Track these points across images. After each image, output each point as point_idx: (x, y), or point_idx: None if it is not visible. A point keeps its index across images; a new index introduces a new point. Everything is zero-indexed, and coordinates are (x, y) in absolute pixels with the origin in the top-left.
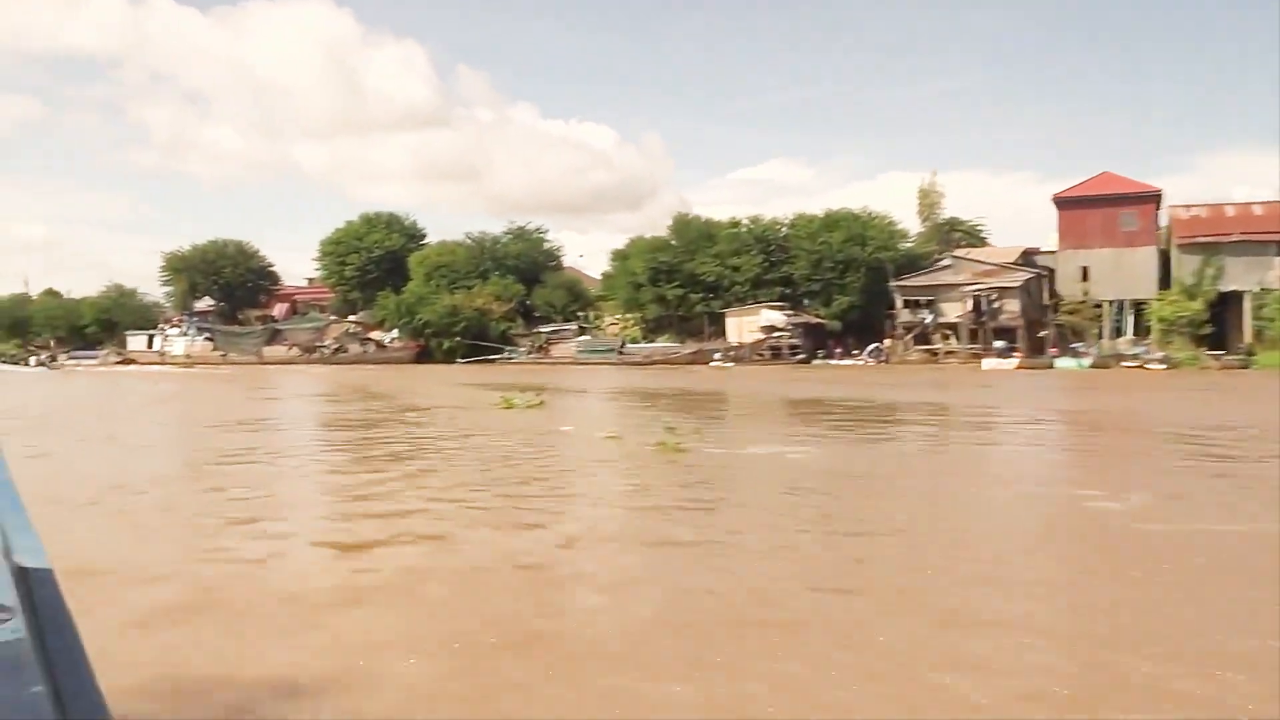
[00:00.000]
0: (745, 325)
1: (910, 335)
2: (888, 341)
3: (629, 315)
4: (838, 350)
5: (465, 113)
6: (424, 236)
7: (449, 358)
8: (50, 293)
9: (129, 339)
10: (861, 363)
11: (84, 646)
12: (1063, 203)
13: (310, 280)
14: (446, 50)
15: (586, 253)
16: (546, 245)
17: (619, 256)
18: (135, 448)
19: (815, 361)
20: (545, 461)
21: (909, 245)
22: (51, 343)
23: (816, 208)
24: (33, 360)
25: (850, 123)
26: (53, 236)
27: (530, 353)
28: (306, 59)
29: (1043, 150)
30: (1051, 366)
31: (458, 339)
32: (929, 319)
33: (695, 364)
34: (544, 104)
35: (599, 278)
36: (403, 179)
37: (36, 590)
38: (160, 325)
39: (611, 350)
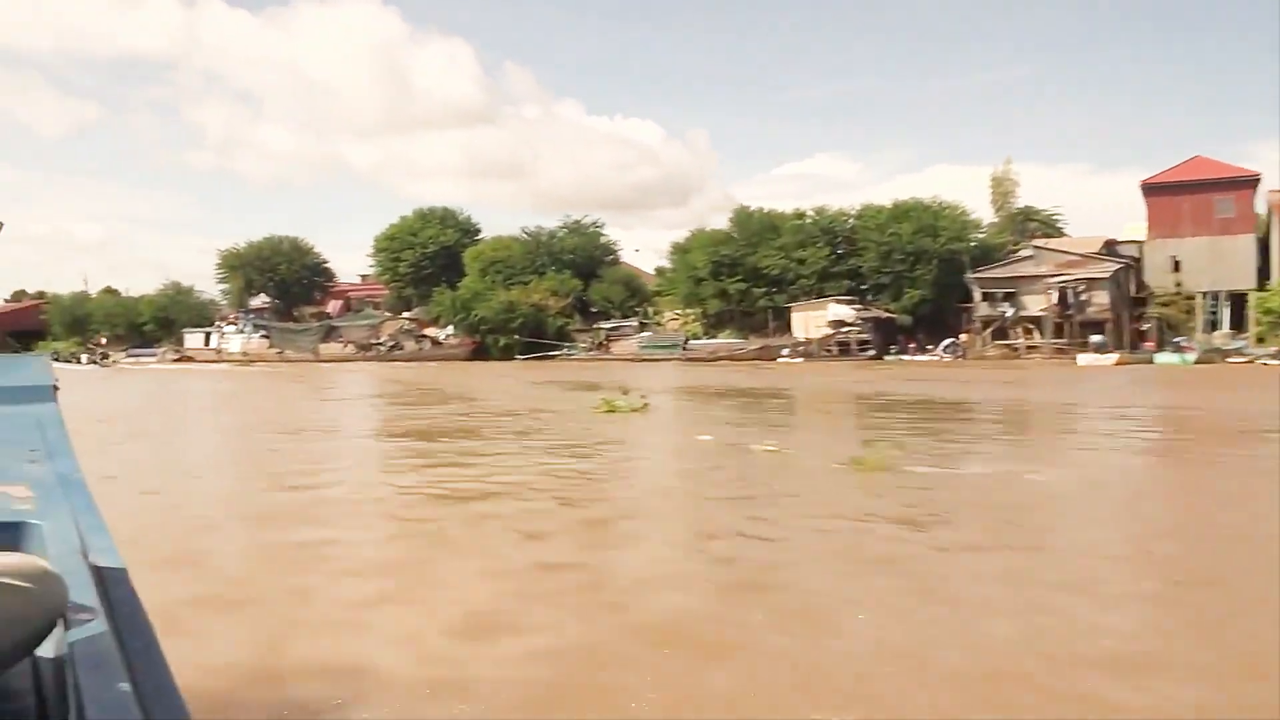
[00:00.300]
0: (812, 320)
1: (989, 330)
2: (964, 336)
3: (689, 310)
4: (910, 346)
5: (512, 110)
6: (478, 232)
7: (505, 355)
8: (109, 291)
9: (186, 337)
10: (937, 359)
11: (160, 644)
12: (1151, 189)
13: (363, 277)
14: (493, 47)
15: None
16: (603, 239)
17: (678, 250)
18: (209, 470)
19: (886, 358)
20: (736, 488)
21: (981, 236)
22: (103, 340)
23: (863, 202)
24: (84, 358)
25: (896, 116)
26: (110, 236)
27: (590, 349)
28: (355, 58)
29: (1096, 141)
30: (1151, 362)
31: (514, 336)
32: (1009, 312)
33: (760, 360)
34: (589, 100)
35: (652, 273)
36: (451, 176)
37: (113, 590)
38: (217, 323)
39: (675, 346)
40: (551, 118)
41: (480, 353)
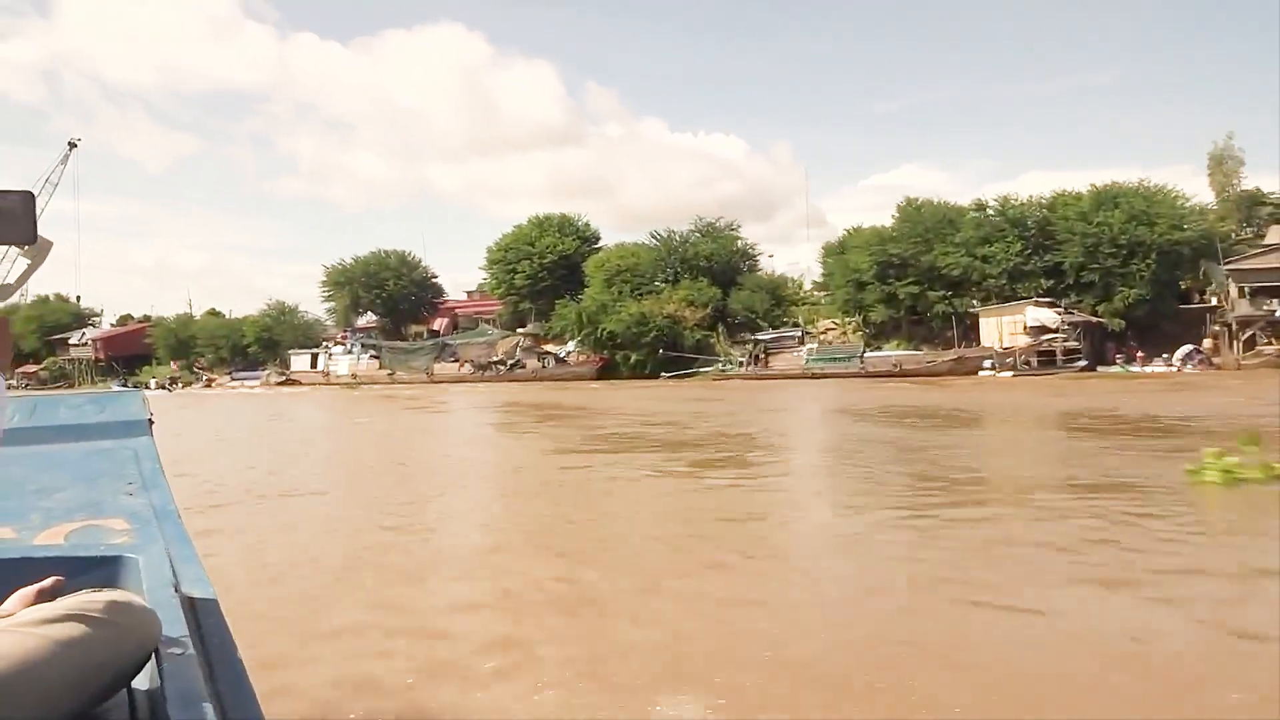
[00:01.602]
0: (1006, 326)
1: (1249, 334)
2: (1208, 343)
3: (848, 319)
4: (1138, 355)
5: (595, 129)
6: (598, 239)
7: (636, 372)
8: (212, 313)
9: (292, 358)
10: (1173, 370)
11: (249, 677)
12: None
13: (469, 293)
14: (575, 68)
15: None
16: (739, 243)
17: (831, 251)
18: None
19: (1103, 369)
20: None
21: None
22: (203, 363)
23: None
24: (152, 382)
25: (982, 123)
26: (211, 264)
27: (749, 364)
28: (441, 83)
29: (1196, 143)
30: None
31: (646, 350)
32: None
33: (954, 375)
34: (671, 118)
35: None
36: (536, 197)
37: (204, 621)
38: (324, 343)
39: (851, 359)
40: (634, 136)
41: (608, 370)
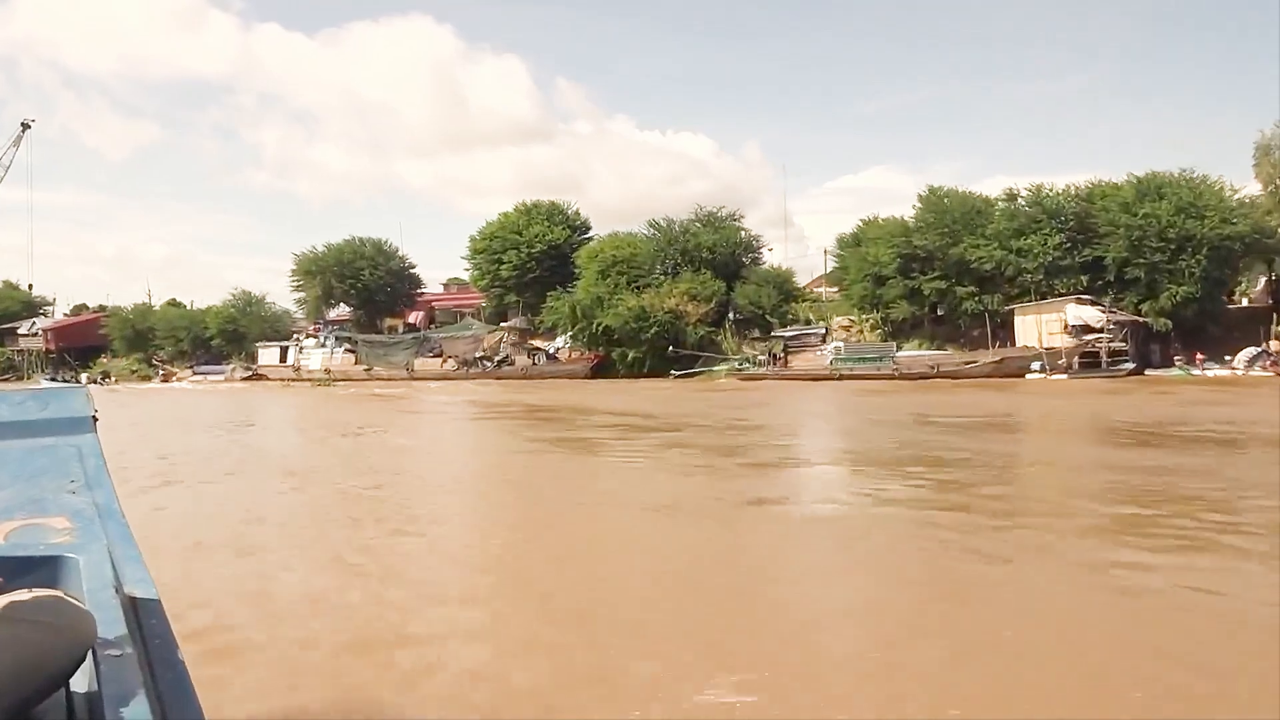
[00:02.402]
0: (1046, 325)
1: None
2: (1275, 344)
3: (864, 315)
4: (1198, 357)
5: (564, 126)
6: (589, 229)
7: (634, 370)
8: (172, 303)
9: (260, 352)
10: (1237, 372)
11: (190, 676)
12: None
13: (445, 285)
14: (545, 64)
15: None
16: (742, 234)
17: (846, 244)
18: None
19: (1151, 372)
20: None
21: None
22: (163, 356)
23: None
24: (83, 377)
25: (951, 128)
26: (174, 256)
27: (770, 363)
28: (409, 77)
29: (1165, 151)
30: None
31: (646, 347)
32: None
33: (995, 376)
34: (640, 116)
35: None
36: (505, 193)
37: (145, 621)
38: (295, 336)
39: (883, 359)
40: (604, 134)
41: (603, 368)
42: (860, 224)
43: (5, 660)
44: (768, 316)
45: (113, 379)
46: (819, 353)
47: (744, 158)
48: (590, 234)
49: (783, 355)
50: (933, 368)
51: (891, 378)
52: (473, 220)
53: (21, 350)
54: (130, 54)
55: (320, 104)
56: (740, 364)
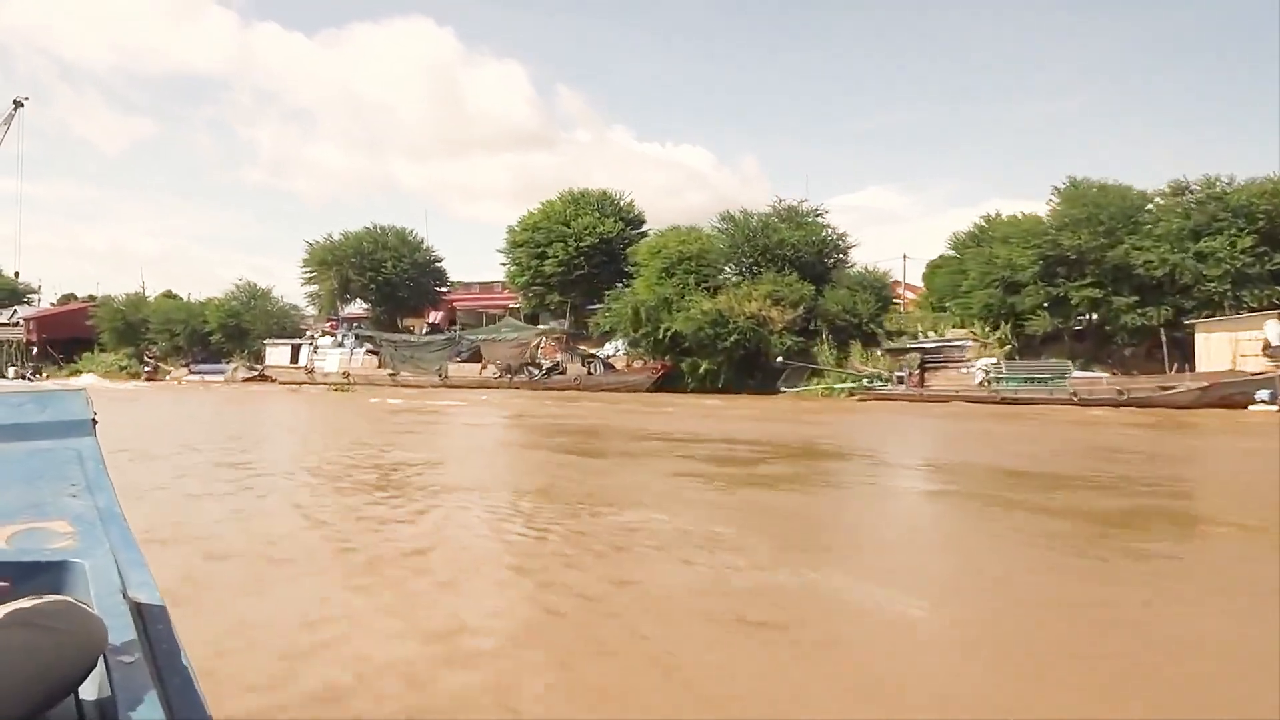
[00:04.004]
0: (1242, 344)
1: None
2: None
3: (988, 329)
4: None
5: (565, 134)
6: (643, 222)
7: (705, 384)
8: (168, 294)
9: (268, 350)
10: None
11: (198, 682)
12: None
13: (464, 284)
14: (546, 70)
15: None
16: (825, 232)
17: (963, 244)
18: None
19: None
20: None
21: None
22: (155, 351)
23: (913, 235)
24: (10, 372)
25: (948, 149)
26: (167, 251)
27: (903, 381)
28: (409, 78)
29: (1166, 170)
30: None
31: (722, 358)
32: None
33: (1202, 407)
34: (640, 126)
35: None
36: (501, 199)
37: (152, 627)
38: (309, 334)
39: (1058, 380)
40: (603, 142)
41: (669, 380)
42: (981, 221)
43: (21, 665)
44: (865, 325)
45: (44, 374)
46: (964, 370)
47: (742, 171)
48: (644, 228)
49: (918, 371)
50: (1120, 393)
51: (1069, 403)
52: (467, 225)
53: (0, 342)
54: (126, 46)
55: (318, 103)
56: (870, 381)
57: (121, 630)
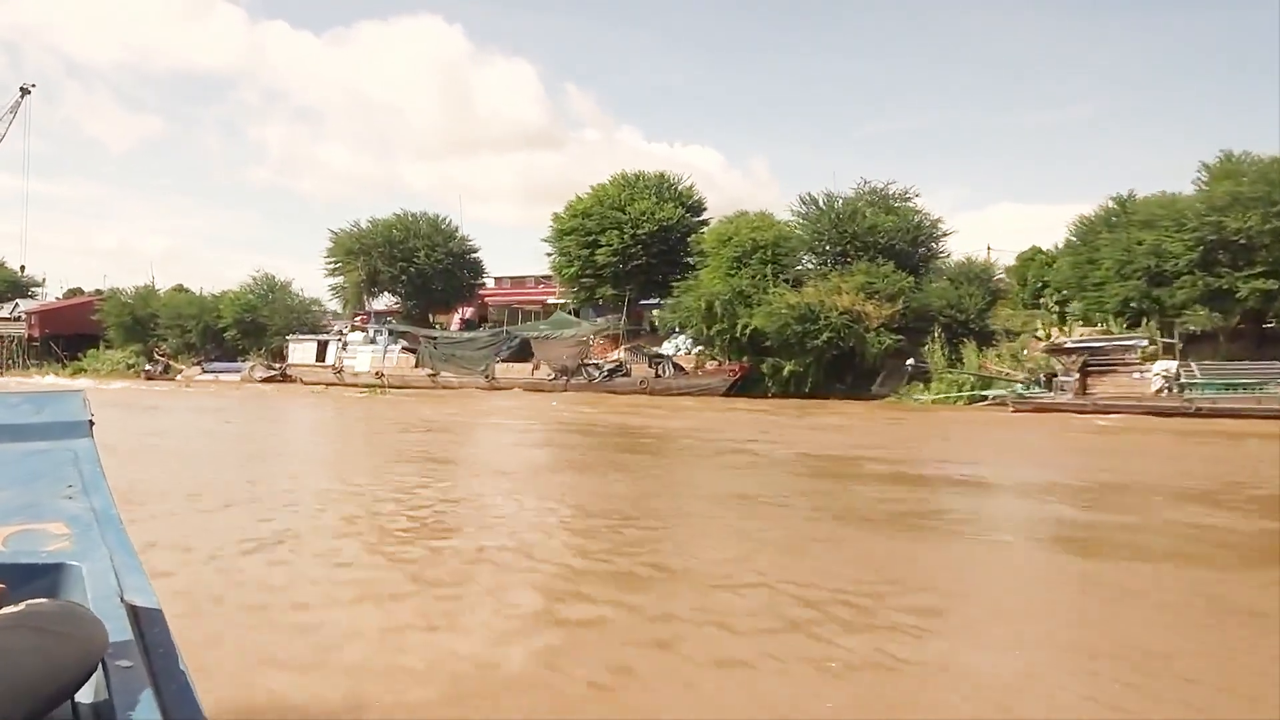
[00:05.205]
0: None
1: None
2: None
3: (1127, 325)
4: None
5: (573, 134)
6: (703, 209)
7: (788, 388)
8: (179, 288)
9: (291, 348)
10: None
11: (194, 686)
12: None
13: (496, 279)
14: (555, 69)
15: None
16: (918, 218)
17: (1091, 225)
18: None
19: None
20: None
21: None
22: (165, 349)
23: None
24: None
25: (956, 153)
26: (175, 250)
27: (1056, 387)
28: (417, 77)
29: (1172, 178)
30: None
31: (811, 358)
32: None
33: None
34: (648, 127)
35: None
36: (508, 199)
37: (148, 630)
38: (338, 330)
39: (1264, 387)
40: (612, 143)
41: (748, 383)
42: (1111, 202)
43: (24, 669)
44: (972, 323)
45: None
46: (1137, 376)
47: (752, 173)
48: (704, 215)
49: (1079, 376)
50: None
51: (1274, 417)
52: (472, 225)
53: (1, 337)
54: (135, 44)
55: (326, 102)
56: (1028, 387)
57: (119, 634)
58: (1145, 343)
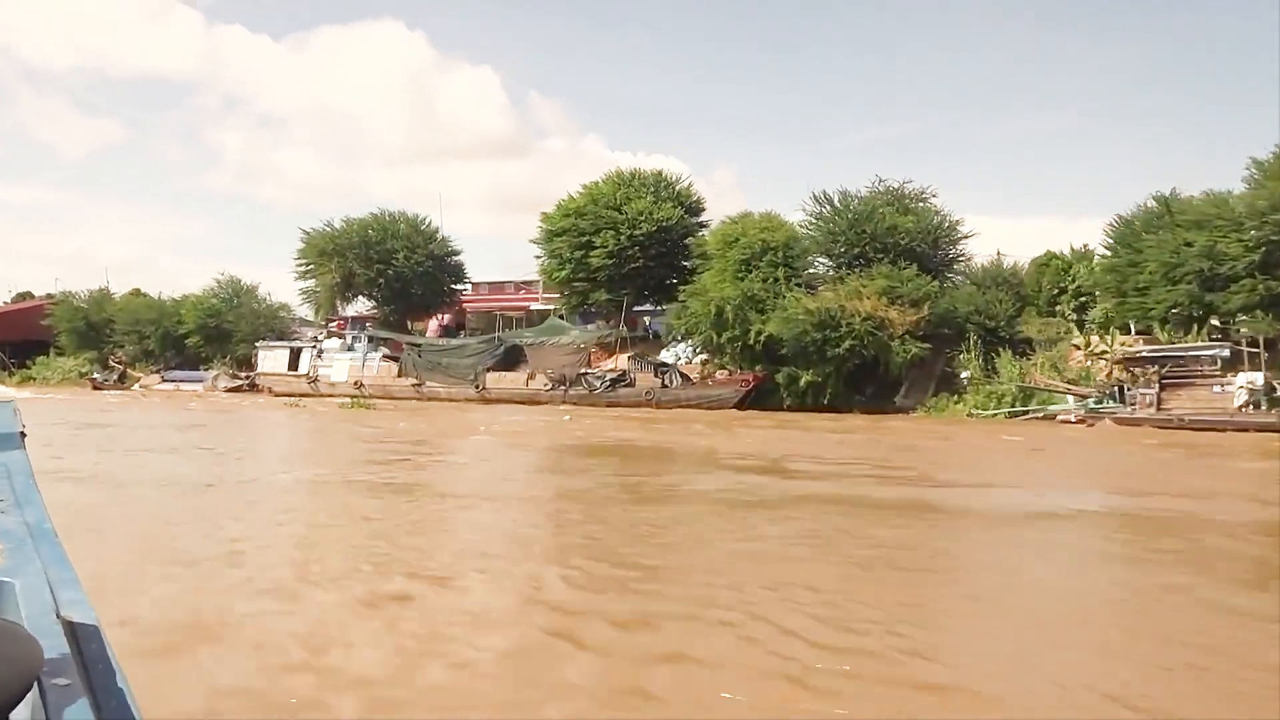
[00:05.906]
0: None
1: None
2: None
3: (1177, 332)
4: None
5: (537, 142)
6: (702, 209)
7: (805, 401)
8: (136, 293)
9: (261, 354)
10: None
11: (134, 702)
12: None
13: (474, 284)
14: (519, 77)
15: None
16: (938, 218)
17: (1133, 226)
18: None
19: None
20: None
21: None
22: (122, 357)
23: None
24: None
25: (928, 164)
26: (134, 258)
27: (1144, 402)
28: (380, 83)
29: (1142, 193)
30: None
31: (830, 368)
32: None
33: None
34: (611, 135)
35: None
36: (473, 208)
37: (85, 647)
38: (313, 336)
39: None
40: (576, 152)
41: (760, 394)
42: (1153, 200)
43: None
44: (1002, 330)
45: None
46: (1219, 389)
47: (717, 182)
48: (703, 217)
49: (1156, 389)
50: None
51: None
52: (443, 232)
53: None
54: (88, 47)
55: (287, 108)
56: (1099, 401)
57: (55, 651)
58: (1227, 352)
